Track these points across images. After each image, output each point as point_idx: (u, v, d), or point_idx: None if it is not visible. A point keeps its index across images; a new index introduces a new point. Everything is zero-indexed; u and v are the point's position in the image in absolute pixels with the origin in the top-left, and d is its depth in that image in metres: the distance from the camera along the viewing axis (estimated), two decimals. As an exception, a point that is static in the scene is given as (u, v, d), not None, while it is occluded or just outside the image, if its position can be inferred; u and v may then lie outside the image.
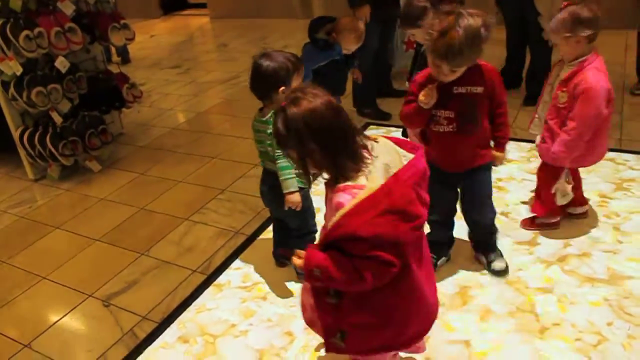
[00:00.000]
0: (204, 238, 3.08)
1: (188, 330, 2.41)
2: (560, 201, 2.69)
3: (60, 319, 2.61)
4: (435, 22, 2.07)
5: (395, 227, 1.40)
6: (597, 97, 2.41)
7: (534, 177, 2.89)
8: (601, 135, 2.57)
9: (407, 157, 1.55)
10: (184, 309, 2.54)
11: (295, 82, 2.24)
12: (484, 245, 2.62)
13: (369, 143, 1.53)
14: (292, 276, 2.63)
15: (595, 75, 2.42)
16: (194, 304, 2.56)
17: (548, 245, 2.71)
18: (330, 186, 1.52)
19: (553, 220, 2.81)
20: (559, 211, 2.79)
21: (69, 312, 2.64)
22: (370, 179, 1.45)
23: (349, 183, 1.46)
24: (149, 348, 2.34)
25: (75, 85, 3.89)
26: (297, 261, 1.53)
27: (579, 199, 2.86)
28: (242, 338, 2.33)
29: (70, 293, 2.77)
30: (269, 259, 2.76)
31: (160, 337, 2.40)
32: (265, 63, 2.23)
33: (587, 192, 3.09)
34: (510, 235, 2.80)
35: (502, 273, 2.54)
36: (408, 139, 1.94)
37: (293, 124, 1.44)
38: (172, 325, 2.45)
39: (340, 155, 1.46)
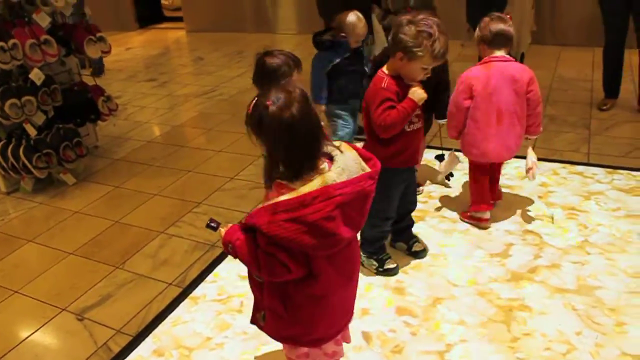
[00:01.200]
0: (179, 251, 3.07)
1: (163, 343, 2.40)
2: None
3: (33, 333, 2.57)
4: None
5: (299, 236, 1.46)
6: (457, 84, 2.90)
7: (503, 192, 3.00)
8: (477, 131, 2.88)
9: (366, 169, 1.58)
10: (159, 322, 2.52)
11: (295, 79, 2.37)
12: (408, 232, 2.87)
13: (333, 152, 1.57)
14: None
15: (470, 69, 2.90)
16: (169, 317, 2.56)
17: (519, 257, 2.76)
18: (274, 179, 1.57)
19: (484, 217, 3.04)
20: (486, 206, 3.04)
21: (42, 326, 2.61)
22: (309, 186, 1.48)
23: (285, 182, 1.52)
24: (124, 362, 2.33)
25: (50, 98, 3.86)
26: (221, 232, 1.69)
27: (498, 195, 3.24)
28: (218, 351, 2.33)
29: (43, 307, 2.74)
30: (245, 272, 2.76)
31: (135, 350, 2.38)
32: (269, 60, 2.35)
33: (557, 204, 3.18)
34: (483, 247, 2.86)
35: (423, 253, 2.82)
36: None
37: (267, 125, 1.49)
38: (147, 339, 2.44)
39: (298, 165, 1.51)
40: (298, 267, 1.54)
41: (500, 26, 2.79)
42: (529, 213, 3.13)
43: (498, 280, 2.62)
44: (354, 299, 1.82)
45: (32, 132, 3.78)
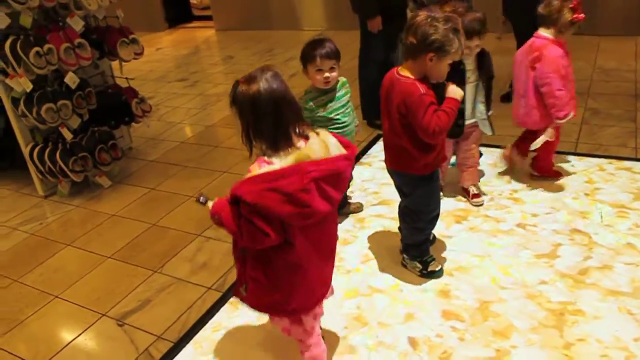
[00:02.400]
0: (217, 254, 3.04)
1: (204, 349, 2.37)
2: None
3: (75, 339, 2.57)
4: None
5: (278, 205, 1.66)
6: (548, 66, 3.00)
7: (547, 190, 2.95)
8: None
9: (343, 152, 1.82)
10: (200, 328, 2.50)
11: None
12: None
13: (310, 134, 1.80)
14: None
15: (549, 48, 3.01)
16: (210, 322, 2.52)
17: (568, 258, 2.66)
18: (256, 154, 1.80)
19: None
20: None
21: (83, 331, 2.61)
22: (284, 161, 1.71)
23: (265, 158, 1.74)
24: (166, 368, 2.31)
25: (85, 101, 3.87)
26: (209, 205, 1.86)
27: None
28: (261, 355, 2.29)
29: (83, 312, 2.74)
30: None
31: (177, 357, 2.36)
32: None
33: (605, 201, 3.06)
34: (529, 247, 2.76)
35: (440, 272, 2.66)
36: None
37: (238, 100, 1.74)
38: (187, 345, 2.41)
39: (269, 135, 1.73)
40: (276, 234, 1.72)
41: None
42: (576, 211, 3.02)
43: (548, 282, 2.52)
44: (331, 276, 2.03)
45: (68, 135, 3.80)
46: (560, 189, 3.26)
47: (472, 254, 2.76)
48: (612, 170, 3.43)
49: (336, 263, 2.11)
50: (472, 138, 3.15)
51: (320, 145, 1.77)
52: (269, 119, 1.72)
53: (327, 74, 2.73)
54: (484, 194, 3.26)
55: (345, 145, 1.85)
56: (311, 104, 2.81)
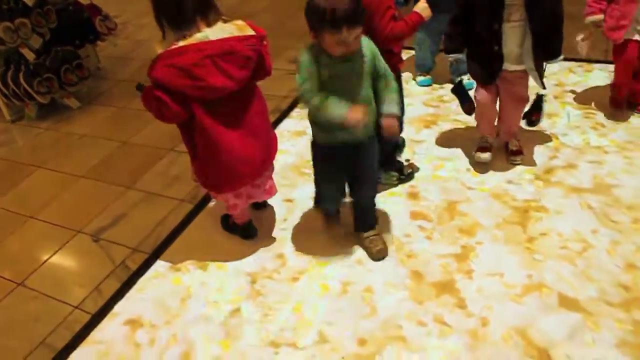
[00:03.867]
0: (189, 167, 3.04)
1: (179, 258, 2.42)
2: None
3: (52, 256, 2.61)
4: None
5: (175, 79, 1.89)
6: None
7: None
8: None
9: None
10: (174, 238, 2.54)
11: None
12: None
13: (219, 21, 2.00)
14: (280, 196, 2.65)
15: None
16: (183, 232, 2.57)
17: (534, 158, 2.71)
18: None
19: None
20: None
21: (60, 249, 2.64)
22: (186, 41, 1.91)
23: (172, 40, 1.94)
24: (142, 279, 2.36)
25: (44, 19, 3.73)
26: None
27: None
28: (234, 263, 2.35)
29: (59, 230, 2.76)
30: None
31: (152, 267, 2.41)
32: None
33: (573, 103, 3.08)
34: (496, 147, 2.79)
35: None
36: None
37: None
38: (162, 256, 2.46)
39: (174, 20, 1.94)
40: (178, 107, 1.95)
41: None
42: (544, 113, 3.04)
43: (513, 181, 2.58)
44: (255, 161, 2.16)
45: (30, 56, 3.68)
46: (530, 91, 3.26)
47: (440, 158, 2.80)
48: (581, 73, 3.44)
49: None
50: (518, 86, 2.55)
51: (223, 28, 1.97)
52: (171, 5, 1.93)
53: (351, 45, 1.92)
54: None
55: (256, 30, 2.04)
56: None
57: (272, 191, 2.38)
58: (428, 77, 3.51)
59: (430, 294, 2.08)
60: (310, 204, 2.57)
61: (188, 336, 2.06)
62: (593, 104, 3.10)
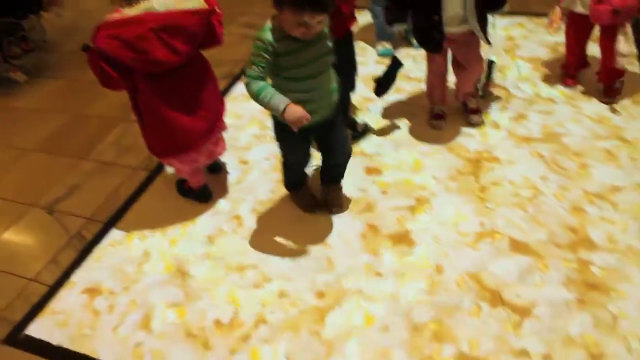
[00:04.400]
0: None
1: (135, 225, 2.40)
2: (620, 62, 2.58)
3: (5, 231, 2.55)
4: None
5: (118, 50, 1.88)
6: None
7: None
8: None
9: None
10: (130, 206, 2.52)
11: None
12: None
13: None
14: (235, 158, 2.64)
15: None
16: (139, 200, 2.54)
17: (486, 111, 2.75)
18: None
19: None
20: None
21: (13, 224, 2.58)
22: (132, 11, 1.89)
23: (120, 8, 1.92)
24: (98, 247, 2.34)
25: (-17, -11, 3.58)
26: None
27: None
28: (191, 226, 2.34)
29: (12, 205, 2.70)
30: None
31: (109, 235, 2.38)
32: None
33: (523, 57, 3.13)
34: (449, 102, 2.81)
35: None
36: None
37: None
38: (119, 223, 2.43)
39: None
40: (121, 77, 1.96)
41: None
42: (495, 67, 3.08)
43: (466, 134, 2.62)
44: (197, 132, 2.17)
45: (-30, 28, 3.55)
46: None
47: (394, 115, 2.83)
48: (532, 27, 3.48)
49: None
50: (470, 47, 2.52)
51: (174, 2, 1.93)
52: None
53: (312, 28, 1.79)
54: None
55: (207, 2, 2.00)
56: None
57: (219, 151, 2.39)
58: (388, 47, 3.42)
59: (387, 245, 2.12)
60: (265, 164, 2.58)
61: (147, 300, 2.06)
62: (543, 56, 3.15)
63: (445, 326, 1.81)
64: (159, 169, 2.71)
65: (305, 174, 2.33)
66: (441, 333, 1.80)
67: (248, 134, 2.86)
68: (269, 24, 1.78)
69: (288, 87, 1.83)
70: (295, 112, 1.74)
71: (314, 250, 2.15)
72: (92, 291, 2.14)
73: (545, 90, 2.86)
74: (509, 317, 1.81)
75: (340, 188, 2.33)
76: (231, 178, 2.58)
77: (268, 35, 1.76)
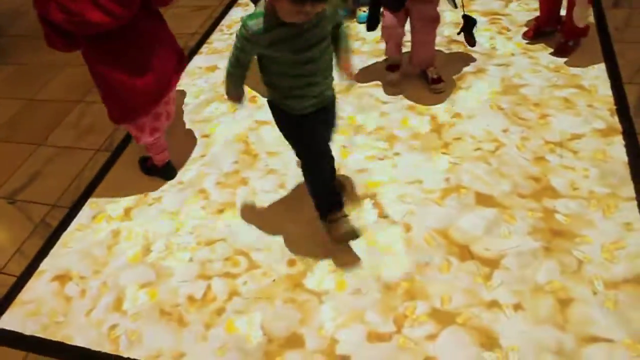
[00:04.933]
0: (102, 116, 2.86)
1: (101, 208, 2.37)
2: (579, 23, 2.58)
3: (-34, 224, 2.49)
4: None
5: (53, 13, 1.90)
6: None
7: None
8: None
9: None
10: (94, 189, 2.48)
11: None
12: None
13: None
14: (198, 132, 2.61)
15: None
16: (102, 181, 2.50)
17: (445, 68, 2.74)
18: None
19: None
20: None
21: (-27, 216, 2.52)
22: None
23: None
24: (65, 233, 2.30)
25: None
26: None
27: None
28: (157, 205, 2.32)
29: (-30, 198, 2.63)
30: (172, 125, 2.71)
31: (74, 220, 2.35)
32: None
33: (479, 10, 3.12)
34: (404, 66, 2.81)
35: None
36: None
37: None
38: (84, 207, 2.40)
39: None
40: (64, 40, 2.02)
41: None
42: (452, 23, 3.07)
43: (426, 92, 2.62)
44: (147, 93, 2.16)
45: None
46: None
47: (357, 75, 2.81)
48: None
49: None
50: (427, 5, 2.52)
51: None
52: None
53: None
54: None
55: None
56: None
57: (169, 117, 2.39)
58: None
59: (353, 206, 2.13)
60: (227, 136, 2.55)
61: (119, 282, 2.04)
62: (499, 9, 3.15)
63: (417, 283, 1.84)
64: (121, 148, 2.66)
65: (336, 189, 2.07)
66: (413, 291, 1.83)
67: (208, 108, 2.81)
68: (260, 10, 1.57)
69: (290, 71, 1.70)
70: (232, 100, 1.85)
71: (281, 218, 2.15)
72: (62, 278, 2.12)
73: (502, 42, 2.87)
74: (478, 270, 1.85)
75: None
76: (194, 153, 2.55)
77: (256, 26, 1.56)
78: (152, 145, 2.35)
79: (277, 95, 1.80)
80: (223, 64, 3.04)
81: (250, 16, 1.58)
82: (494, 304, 1.75)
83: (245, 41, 1.60)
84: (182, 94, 2.92)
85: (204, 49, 3.32)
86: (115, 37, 2.04)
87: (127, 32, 2.05)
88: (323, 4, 1.50)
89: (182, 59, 2.32)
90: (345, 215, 1.99)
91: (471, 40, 2.63)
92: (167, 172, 2.41)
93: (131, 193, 2.40)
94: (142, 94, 2.15)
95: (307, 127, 1.83)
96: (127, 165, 2.57)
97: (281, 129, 1.90)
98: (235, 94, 1.81)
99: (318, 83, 1.75)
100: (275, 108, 1.85)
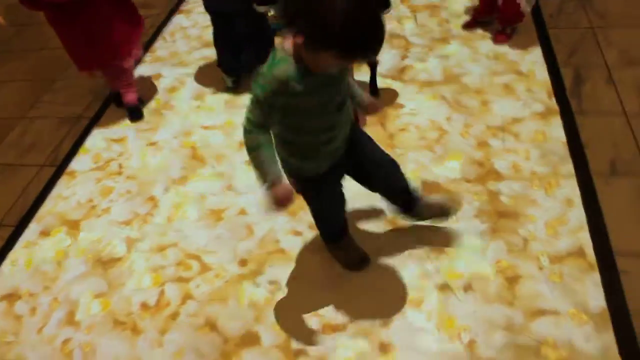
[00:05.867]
0: (45, 132, 2.87)
1: (48, 223, 2.32)
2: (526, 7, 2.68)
3: None
4: None
5: None
6: None
7: None
8: None
9: None
10: (40, 204, 2.42)
11: None
12: None
13: None
14: (144, 141, 2.60)
15: None
16: (49, 197, 2.44)
17: (387, 62, 2.79)
18: None
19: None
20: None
21: None
22: None
23: None
24: (12, 252, 2.24)
25: None
26: None
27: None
28: (106, 216, 2.29)
29: None
30: (115, 135, 2.68)
31: (21, 238, 2.29)
32: None
33: (419, 5, 3.17)
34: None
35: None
36: None
37: None
38: (30, 224, 2.34)
39: None
40: (30, 6, 2.34)
41: None
42: (393, 18, 3.12)
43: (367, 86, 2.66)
44: (91, 62, 2.62)
45: None
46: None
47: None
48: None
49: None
50: None
51: None
52: None
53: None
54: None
55: None
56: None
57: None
58: None
59: (302, 204, 2.12)
60: (173, 143, 2.52)
61: (70, 296, 2.01)
62: (438, 1, 3.21)
63: (367, 272, 1.87)
64: (65, 162, 2.61)
65: (345, 218, 1.89)
66: (363, 281, 1.85)
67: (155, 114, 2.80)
68: (284, 56, 1.32)
69: (311, 126, 1.48)
70: (285, 190, 1.41)
71: (232, 219, 2.15)
72: (11, 297, 2.06)
73: (442, 34, 2.93)
74: (428, 256, 1.88)
75: (423, 197, 1.92)
76: (141, 159, 2.52)
77: (290, 72, 1.31)
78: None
79: (293, 160, 1.57)
80: (167, 72, 3.05)
81: (271, 66, 1.33)
82: (444, 287, 1.78)
83: (271, 94, 1.33)
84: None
85: (147, 57, 3.28)
86: (70, 6, 2.36)
87: (84, 4, 2.37)
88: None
89: (137, 29, 2.68)
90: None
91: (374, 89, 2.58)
92: (131, 112, 2.78)
93: (79, 206, 2.36)
94: (85, 61, 2.59)
95: (327, 187, 1.68)
96: (73, 178, 2.52)
97: (299, 188, 1.65)
98: (276, 178, 1.41)
99: (338, 137, 1.55)
100: (296, 177, 1.61)
